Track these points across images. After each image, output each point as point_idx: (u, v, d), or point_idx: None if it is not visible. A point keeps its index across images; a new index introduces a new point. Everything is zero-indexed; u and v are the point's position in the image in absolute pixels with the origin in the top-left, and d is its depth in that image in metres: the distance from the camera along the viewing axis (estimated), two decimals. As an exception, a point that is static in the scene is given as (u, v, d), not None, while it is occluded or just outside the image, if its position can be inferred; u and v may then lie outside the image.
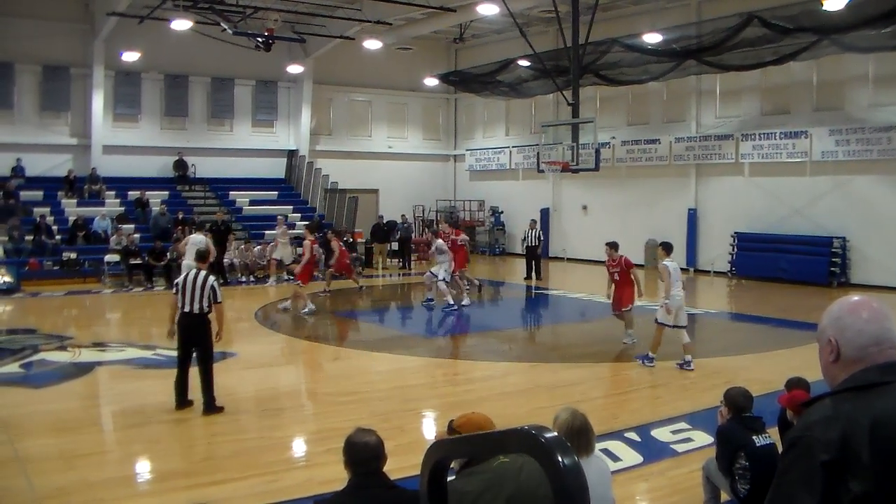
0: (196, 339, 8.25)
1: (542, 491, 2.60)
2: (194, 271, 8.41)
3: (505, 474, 3.07)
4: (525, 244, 21.71)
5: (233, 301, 17.83)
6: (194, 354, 8.30)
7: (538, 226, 21.98)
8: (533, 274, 20.89)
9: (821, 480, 1.70)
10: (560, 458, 1.77)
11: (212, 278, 8.41)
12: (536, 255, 21.07)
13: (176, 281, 8.61)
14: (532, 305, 18.78)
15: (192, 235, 16.89)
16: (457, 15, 22.34)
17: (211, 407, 8.13)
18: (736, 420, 5.08)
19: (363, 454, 3.28)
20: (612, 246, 12.10)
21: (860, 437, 1.72)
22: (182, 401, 8.25)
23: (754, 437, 4.90)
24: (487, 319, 14.75)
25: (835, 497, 1.70)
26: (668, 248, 10.80)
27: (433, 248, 16.15)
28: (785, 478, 1.79)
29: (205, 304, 8.22)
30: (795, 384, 5.37)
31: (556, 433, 1.88)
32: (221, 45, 21.75)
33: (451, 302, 15.46)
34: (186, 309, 8.22)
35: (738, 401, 5.12)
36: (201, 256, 9.11)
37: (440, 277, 15.56)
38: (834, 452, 1.71)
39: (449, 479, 2.52)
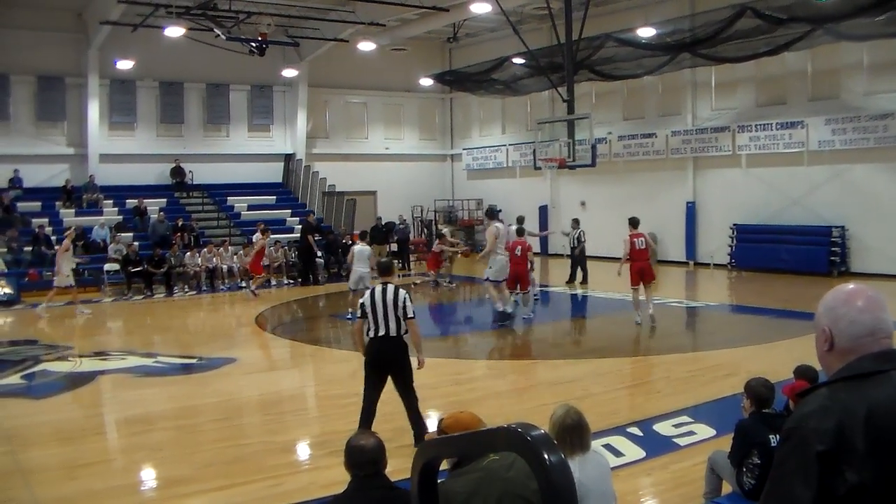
0: (393, 367, 7.02)
1: (533, 486, 2.59)
2: (380, 286, 7.03)
3: (495, 472, 3.08)
4: (571, 245, 19.68)
5: (232, 307, 17.91)
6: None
7: (580, 225, 19.62)
8: (578, 277, 19.29)
9: (817, 471, 1.70)
10: (546, 455, 1.79)
11: (402, 292, 6.99)
12: (583, 257, 19.26)
13: (361, 301, 7.10)
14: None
15: (355, 247, 14.81)
16: (450, 14, 22.36)
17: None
18: (758, 416, 4.93)
19: (362, 457, 3.29)
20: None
21: (855, 426, 1.71)
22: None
23: (771, 436, 4.77)
24: (489, 318, 14.70)
25: (831, 487, 1.69)
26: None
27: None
28: (781, 469, 1.78)
29: (400, 323, 6.92)
30: (802, 373, 5.31)
31: (542, 431, 1.88)
32: (215, 50, 21.74)
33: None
34: (381, 332, 6.90)
35: (758, 392, 4.93)
36: (387, 269, 7.45)
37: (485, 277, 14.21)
38: (829, 443, 1.71)
39: (440, 480, 2.52)
